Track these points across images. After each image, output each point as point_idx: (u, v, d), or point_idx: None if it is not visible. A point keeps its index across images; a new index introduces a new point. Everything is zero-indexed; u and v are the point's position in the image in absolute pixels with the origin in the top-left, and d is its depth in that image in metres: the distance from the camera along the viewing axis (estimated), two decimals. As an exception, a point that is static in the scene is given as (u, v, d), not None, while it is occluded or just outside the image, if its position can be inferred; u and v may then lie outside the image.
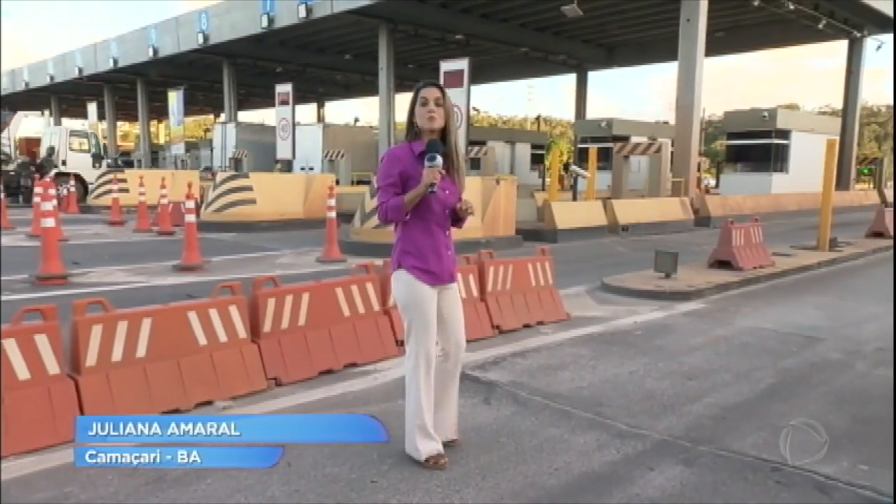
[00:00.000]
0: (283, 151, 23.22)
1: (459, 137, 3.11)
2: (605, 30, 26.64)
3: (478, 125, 56.32)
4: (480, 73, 33.02)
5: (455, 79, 12.67)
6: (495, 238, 11.66)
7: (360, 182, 21.61)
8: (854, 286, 8.31)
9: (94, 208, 17.54)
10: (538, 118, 49.89)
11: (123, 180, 17.29)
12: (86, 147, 21.40)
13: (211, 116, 53.75)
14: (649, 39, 27.63)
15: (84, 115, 33.60)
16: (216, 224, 13.19)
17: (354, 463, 3.01)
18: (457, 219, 3.00)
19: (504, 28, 25.12)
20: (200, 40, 27.01)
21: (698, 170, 23.53)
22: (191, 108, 44.16)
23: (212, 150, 29.68)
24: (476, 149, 20.82)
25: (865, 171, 29.55)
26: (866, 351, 5.10)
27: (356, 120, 45.27)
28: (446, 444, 3.09)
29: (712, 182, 29.81)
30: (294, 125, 23.35)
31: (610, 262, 10.27)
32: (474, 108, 41.42)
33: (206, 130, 47.75)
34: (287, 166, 24.37)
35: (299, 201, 14.66)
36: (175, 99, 28.64)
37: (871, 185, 28.76)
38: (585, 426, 3.50)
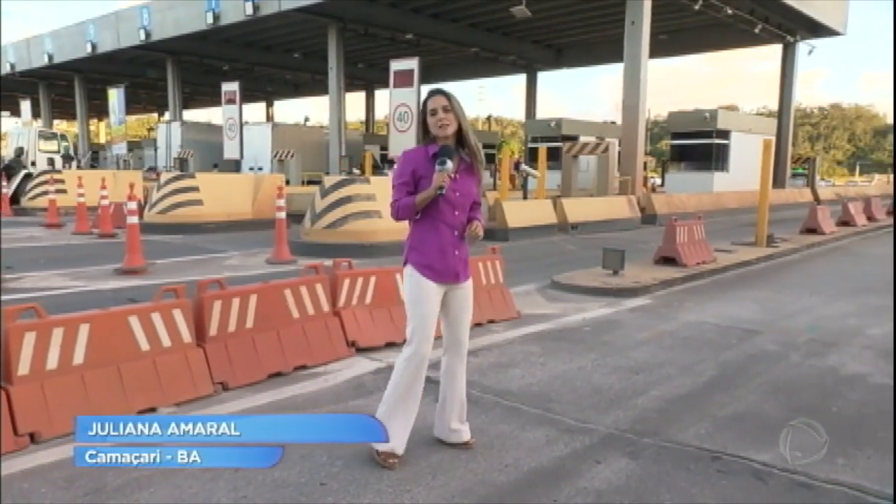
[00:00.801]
0: (230, 151, 22.72)
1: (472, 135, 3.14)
2: (554, 31, 27.07)
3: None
4: (431, 73, 33.10)
5: (405, 78, 12.65)
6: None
7: (310, 182, 21.32)
8: (789, 280, 8.68)
9: (28, 210, 16.75)
10: (489, 118, 50.25)
11: (61, 181, 16.57)
12: (55, 148, 20.56)
13: (155, 115, 52.13)
14: (597, 41, 28.20)
15: (17, 113, 32.11)
16: (161, 226, 12.80)
17: (303, 466, 2.97)
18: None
19: (454, 28, 25.23)
20: (142, 36, 26.16)
21: (644, 169, 24.14)
22: (133, 106, 42.76)
23: (156, 150, 28.79)
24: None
25: (800, 170, 30.90)
26: (799, 342, 5.33)
27: (306, 119, 44.71)
28: (458, 446, 3.17)
29: (658, 181, 30.63)
30: (241, 124, 22.87)
31: (560, 260, 10.43)
32: (425, 108, 41.42)
33: (150, 129, 46.27)
34: (235, 166, 23.85)
35: (248, 202, 14.36)
36: (115, 97, 27.63)
37: (805, 184, 30.05)
38: (535, 422, 3.55)
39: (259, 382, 4.08)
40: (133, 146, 34.37)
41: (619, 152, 19.52)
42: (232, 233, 13.10)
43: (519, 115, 48.51)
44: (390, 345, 4.96)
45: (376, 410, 3.08)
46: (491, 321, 5.85)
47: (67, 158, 20.74)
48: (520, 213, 13.82)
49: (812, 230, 13.70)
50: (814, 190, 27.37)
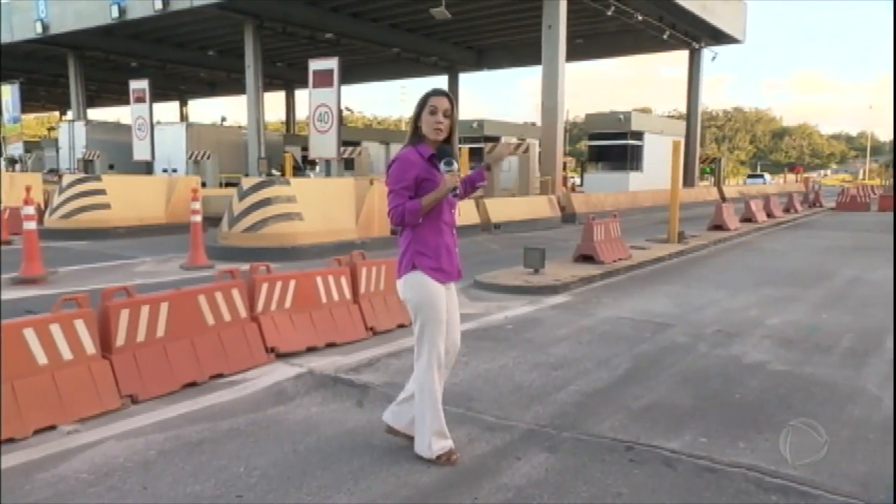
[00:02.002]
0: (140, 152, 21.63)
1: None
2: (475, 33, 27.39)
3: (352, 125, 55.87)
4: (352, 73, 32.79)
5: (324, 78, 12.44)
6: (370, 239, 11.61)
7: (228, 184, 20.64)
8: (698, 275, 9.16)
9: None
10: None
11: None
12: None
13: (56, 114, 48.97)
14: (516, 43, 28.77)
15: None
16: (63, 231, 12.04)
17: (219, 479, 2.87)
18: (468, 191, 3.17)
19: (375, 28, 25.08)
20: (39, 29, 24.50)
21: (564, 169, 24.83)
22: (31, 104, 40.04)
23: (58, 151, 27.03)
24: (349, 149, 20.61)
25: (707, 170, 32.69)
26: (707, 333, 5.63)
27: (223, 119, 43.23)
28: (410, 438, 3.17)
29: (577, 180, 31.61)
30: (152, 124, 21.84)
31: (483, 259, 10.56)
32: (347, 109, 41.11)
33: (51, 129, 43.39)
34: (146, 168, 22.75)
35: (161, 205, 13.74)
36: (9, 94, 25.73)
37: (712, 183, 31.85)
38: (457, 421, 3.57)
39: (172, 393, 3.91)
40: (31, 147, 32.13)
41: (540, 153, 20.01)
42: (144, 238, 12.49)
43: (442, 116, 48.69)
44: (311, 349, 4.88)
45: (416, 432, 3.07)
46: (414, 322, 5.85)
47: None
48: (443, 213, 13.86)
49: (719, 227, 14.52)
50: (720, 188, 29.03)
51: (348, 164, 23.34)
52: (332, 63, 12.59)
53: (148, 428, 3.43)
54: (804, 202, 24.38)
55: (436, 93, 2.96)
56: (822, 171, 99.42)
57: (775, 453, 3.17)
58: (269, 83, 32.85)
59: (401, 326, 5.70)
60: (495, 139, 24.40)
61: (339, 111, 13.58)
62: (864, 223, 18.15)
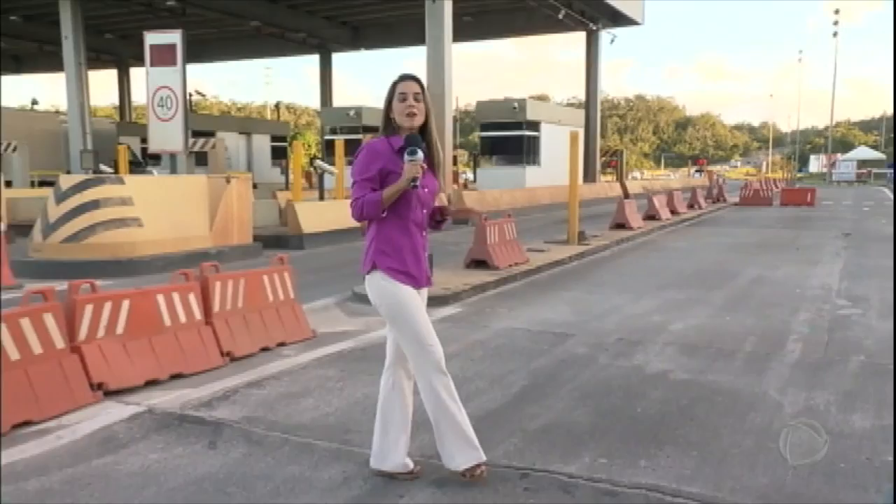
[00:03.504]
0: None
1: (435, 133, 3.22)
2: (348, 7, 27.32)
3: (205, 113, 53.87)
4: (203, 50, 31.66)
5: (165, 55, 11.85)
6: (228, 247, 11.27)
7: (42, 183, 19.22)
8: (600, 278, 9.64)
9: None
10: (278, 105, 49.25)
11: None
12: None
13: None
14: (396, 20, 29.00)
15: None
16: None
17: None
18: (438, 221, 3.24)
19: (229, -4, 24.36)
20: None
21: (455, 163, 25.34)
22: None
23: None
24: (202, 141, 19.83)
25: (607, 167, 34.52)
26: (608, 343, 5.93)
27: (34, 103, 40.17)
28: (406, 476, 3.24)
29: (471, 176, 32.31)
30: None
31: (363, 268, 10.51)
32: (198, 93, 39.48)
33: None
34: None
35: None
36: None
37: (615, 178, 33.70)
38: (330, 458, 3.53)
39: (-37, 450, 3.56)
40: None
41: (427, 145, 20.20)
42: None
43: (314, 102, 48.25)
44: (152, 383, 4.64)
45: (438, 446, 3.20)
46: (281, 344, 5.74)
47: None
48: (316, 215, 13.74)
49: (621, 225, 15.38)
50: (622, 184, 30.73)
51: (201, 159, 22.44)
52: (174, 37, 12.02)
53: (-70, 495, 3.11)
54: (708, 197, 26.35)
55: (403, 78, 3.11)
56: (727, 164, 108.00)
57: (677, 470, 3.39)
58: (97, 59, 30.93)
59: (264, 350, 5.56)
60: (376, 129, 24.33)
61: (187, 95, 13.01)
62: (767, 219, 19.89)
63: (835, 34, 55.71)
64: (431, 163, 3.16)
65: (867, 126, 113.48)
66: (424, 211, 3.16)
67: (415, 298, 3.12)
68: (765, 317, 6.96)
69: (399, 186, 2.98)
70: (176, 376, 4.80)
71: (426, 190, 3.08)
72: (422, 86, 3.11)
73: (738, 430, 3.92)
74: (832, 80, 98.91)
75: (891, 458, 3.49)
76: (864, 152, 69.99)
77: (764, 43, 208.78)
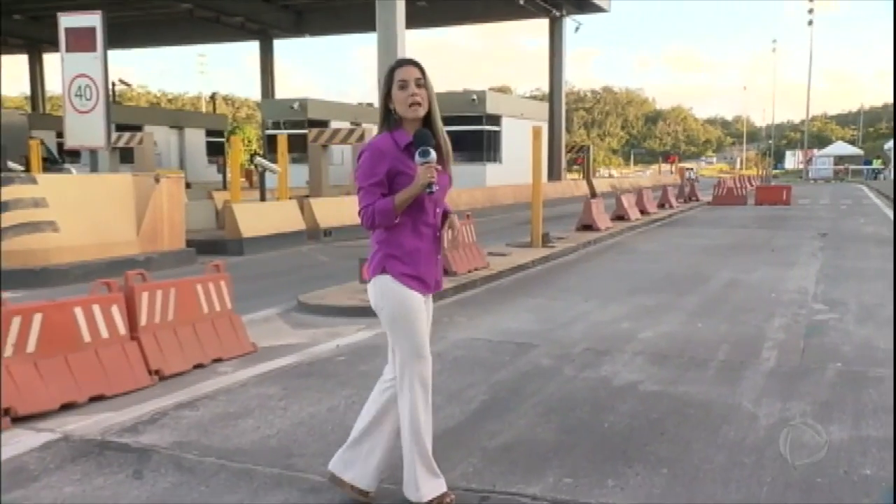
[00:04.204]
0: None
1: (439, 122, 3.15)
2: (292, -12, 27.14)
3: (130, 104, 52.83)
4: (127, 35, 31.04)
5: (83, 39, 11.54)
6: (158, 254, 11.09)
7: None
8: (565, 284, 9.74)
9: None
10: (213, 96, 48.54)
11: None
12: None
13: None
14: (344, 4, 28.92)
15: None
16: None
17: None
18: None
19: (157, -24, 23.99)
20: None
21: (409, 160, 25.22)
22: None
23: None
24: (127, 136, 19.45)
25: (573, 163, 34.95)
26: (574, 353, 6.00)
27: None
28: (359, 496, 3.26)
29: (427, 174, 32.34)
30: None
31: (310, 274, 10.48)
32: (122, 82, 38.65)
33: None
34: None
35: None
36: None
37: (581, 176, 34.15)
38: (272, 485, 3.49)
39: None
40: None
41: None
42: None
43: (255, 93, 47.69)
44: (69, 407, 4.53)
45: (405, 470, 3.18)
46: (217, 360, 5.68)
47: None
48: (257, 218, 13.61)
49: (588, 226, 15.57)
50: (589, 182, 31.12)
51: (126, 156, 21.99)
52: (93, 19, 11.71)
53: None
54: (679, 196, 26.88)
55: (401, 63, 3.06)
56: (704, 161, 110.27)
57: (647, 489, 3.44)
58: (4, 43, 30.07)
59: (198, 367, 5.48)
60: (322, 124, 24.28)
61: (109, 84, 12.74)
62: (742, 218, 20.37)
63: (810, 22, 57.57)
64: (442, 158, 3.11)
65: (844, 120, 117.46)
66: (438, 210, 3.15)
67: (421, 306, 3.12)
68: (739, 323, 7.12)
69: (412, 192, 2.96)
70: (97, 398, 4.69)
71: (438, 187, 3.05)
72: (422, 70, 3.04)
73: (711, 444, 4.00)
74: (808, 71, 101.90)
75: (868, 472, 3.60)
76: (841, 148, 72.34)
77: (737, 31, 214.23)
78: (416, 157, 2.96)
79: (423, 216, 3.08)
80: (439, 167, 3.02)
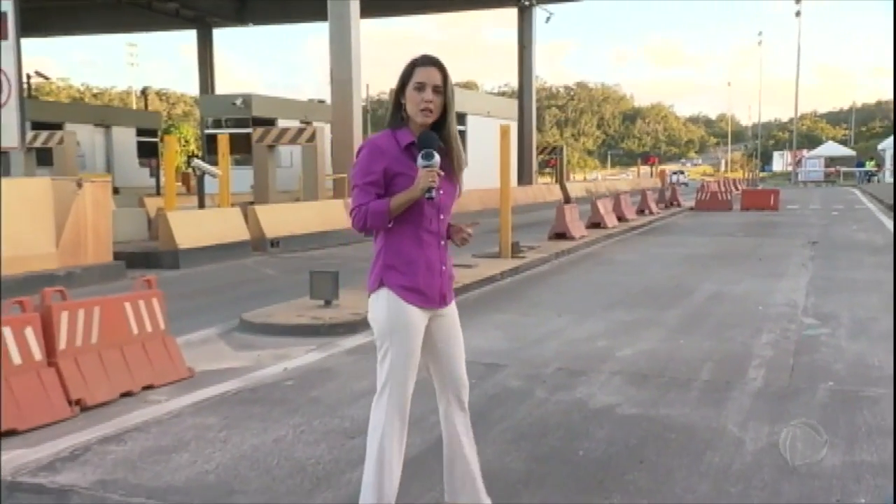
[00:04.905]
0: None
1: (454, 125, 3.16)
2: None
3: (49, 99, 51.99)
4: (43, 22, 30.53)
5: (-7, 26, 11.38)
6: (81, 268, 10.94)
7: None
8: (537, 298, 9.80)
9: None
10: (145, 91, 48.02)
11: None
12: None
13: None
14: (291, -9, 28.84)
15: None
16: None
17: None
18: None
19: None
20: None
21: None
22: None
23: None
24: (46, 135, 19.15)
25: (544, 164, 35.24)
26: (546, 374, 6.04)
27: None
28: None
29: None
30: None
31: (254, 290, 10.40)
32: (39, 74, 37.99)
33: None
34: None
35: None
36: None
37: (554, 179, 34.46)
38: (210, 527, 3.45)
39: None
40: None
41: (332, 141, 20.16)
42: None
43: (192, 88, 47.20)
44: (-21, 442, 4.42)
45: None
46: (148, 387, 5.62)
47: None
48: (195, 227, 13.48)
49: (561, 235, 15.71)
50: (563, 185, 31.41)
51: (44, 158, 21.63)
52: (4, 4, 11.55)
53: None
54: (660, 201, 27.27)
55: (424, 62, 3.05)
56: (689, 162, 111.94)
57: (625, 521, 3.46)
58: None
59: (126, 395, 5.41)
60: (269, 122, 24.16)
61: (23, 77, 12.55)
62: (726, 225, 20.73)
63: (797, 13, 58.93)
64: (451, 165, 3.12)
65: (836, 118, 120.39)
66: (442, 217, 3.15)
67: (417, 323, 3.11)
68: (724, 339, 7.22)
69: (410, 196, 2.97)
70: (9, 433, 4.59)
71: (441, 192, 3.04)
72: (445, 75, 3.05)
73: (694, 471, 4.04)
74: (796, 66, 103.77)
75: (863, 501, 3.68)
76: (832, 148, 74.08)
77: (721, 22, 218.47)
78: (419, 159, 2.98)
79: (424, 222, 3.09)
80: (442, 173, 3.03)
